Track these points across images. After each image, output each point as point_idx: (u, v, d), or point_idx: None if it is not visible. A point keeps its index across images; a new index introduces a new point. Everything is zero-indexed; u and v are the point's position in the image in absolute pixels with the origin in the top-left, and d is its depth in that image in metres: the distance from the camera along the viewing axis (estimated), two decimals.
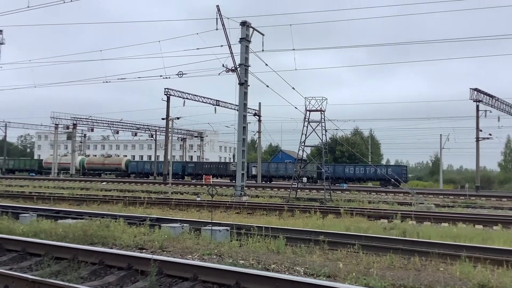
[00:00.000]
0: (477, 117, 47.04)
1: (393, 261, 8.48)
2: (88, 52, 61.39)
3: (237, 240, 10.56)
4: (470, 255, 8.51)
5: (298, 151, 29.62)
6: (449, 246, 9.87)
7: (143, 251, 8.87)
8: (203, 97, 56.10)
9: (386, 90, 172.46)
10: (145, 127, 75.66)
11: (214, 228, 11.21)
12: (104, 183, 48.74)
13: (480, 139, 47.47)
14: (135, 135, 75.84)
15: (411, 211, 19.00)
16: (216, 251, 8.79)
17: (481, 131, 47.46)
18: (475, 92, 45.88)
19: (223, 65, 28.13)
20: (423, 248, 9.56)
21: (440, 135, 68.07)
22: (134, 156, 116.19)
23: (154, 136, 76.61)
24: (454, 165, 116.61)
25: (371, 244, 10.19)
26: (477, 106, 46.66)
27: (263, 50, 28.64)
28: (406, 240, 10.80)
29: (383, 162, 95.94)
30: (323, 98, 28.05)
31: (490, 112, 47.32)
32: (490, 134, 49.03)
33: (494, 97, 47.09)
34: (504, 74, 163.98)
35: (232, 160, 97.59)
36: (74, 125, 70.40)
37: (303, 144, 28.91)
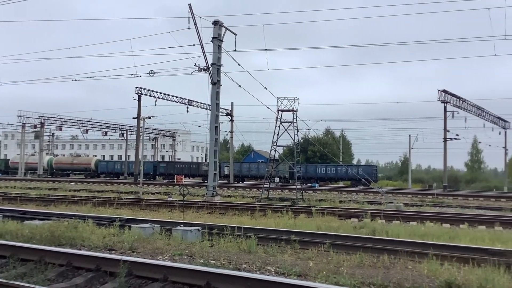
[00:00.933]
0: (445, 118, 48.11)
1: (363, 259, 8.58)
2: (57, 50, 60.17)
3: (208, 240, 10.52)
4: (437, 253, 8.69)
5: (270, 151, 29.75)
6: (417, 244, 10.06)
7: (112, 252, 8.73)
8: (175, 96, 55.71)
9: (355, 92, 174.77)
10: (116, 126, 74.59)
11: (185, 228, 11.13)
12: (72, 183, 47.85)
13: (447, 139, 48.56)
14: (105, 134, 74.63)
15: (381, 210, 19.29)
16: (187, 251, 8.73)
17: (448, 131, 48.56)
18: (443, 93, 46.91)
19: (195, 65, 27.99)
20: (392, 247, 9.72)
21: (409, 135, 69.52)
22: (104, 156, 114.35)
23: (124, 135, 75.57)
24: (422, 165, 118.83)
25: (342, 243, 10.30)
26: (445, 107, 47.72)
27: (235, 50, 28.62)
28: (376, 238, 10.96)
29: (354, 162, 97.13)
30: (295, 98, 28.24)
31: (458, 113, 48.47)
32: (457, 135, 50.26)
33: (461, 98, 48.25)
34: (467, 76, 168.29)
35: (204, 160, 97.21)
36: (42, 124, 68.85)
37: (275, 144, 29.02)
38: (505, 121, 59.33)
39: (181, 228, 11.12)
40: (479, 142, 76.67)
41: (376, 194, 33.28)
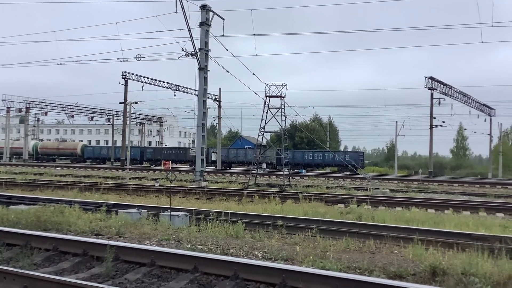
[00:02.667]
0: (431, 104, 48.43)
1: (349, 244, 8.66)
2: (41, 33, 59.19)
3: (196, 225, 10.53)
4: (422, 238, 8.79)
5: (258, 137, 29.72)
6: (402, 229, 10.18)
7: (99, 237, 8.70)
8: (162, 81, 55.26)
9: (341, 78, 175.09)
10: (102, 111, 73.90)
11: (172, 213, 11.12)
12: (58, 168, 47.48)
13: (433, 126, 48.95)
14: (92, 119, 74.03)
15: (367, 196, 19.46)
16: (174, 236, 8.73)
17: (435, 118, 48.93)
18: (430, 80, 47.16)
19: (182, 49, 27.67)
20: (378, 232, 9.83)
21: (396, 122, 70.02)
22: (90, 141, 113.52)
23: (111, 120, 74.94)
24: (408, 152, 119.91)
25: (328, 228, 10.38)
26: (432, 94, 48.01)
27: (223, 35, 28.35)
28: (362, 224, 11.07)
29: (341, 148, 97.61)
30: (283, 84, 28.18)
31: (444, 100, 48.80)
32: (443, 122, 50.62)
33: (448, 85, 48.56)
34: (454, 63, 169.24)
35: (191, 146, 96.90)
36: (27, 109, 67.99)
37: (262, 130, 29.01)
38: (491, 108, 59.93)
39: (169, 213, 11.11)
40: (465, 129, 77.66)
41: (363, 180, 33.53)
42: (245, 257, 7.43)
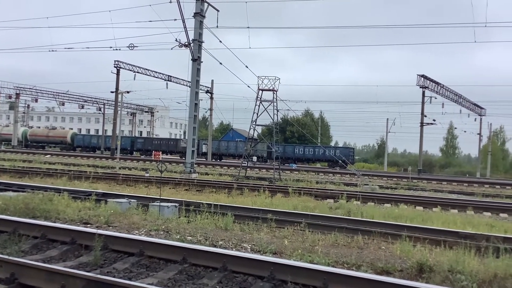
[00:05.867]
0: (423, 102, 48.71)
1: (338, 239, 8.70)
2: (34, 19, 58.53)
3: (185, 216, 10.52)
4: (410, 234, 8.86)
5: (249, 130, 29.69)
6: (390, 225, 10.25)
7: (88, 225, 8.66)
8: (154, 71, 54.96)
9: (331, 74, 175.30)
10: (93, 99, 73.39)
11: (162, 204, 11.10)
12: (48, 156, 47.15)
13: (424, 124, 49.25)
14: (82, 107, 73.44)
15: (356, 191, 19.55)
16: (163, 227, 8.72)
17: (425, 116, 49.23)
18: (422, 78, 47.37)
19: (176, 40, 27.56)
20: (366, 227, 9.88)
21: (387, 119, 70.31)
22: (80, 129, 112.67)
23: (102, 109, 74.46)
24: (398, 149, 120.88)
25: (317, 222, 10.42)
26: (423, 92, 48.28)
27: (217, 27, 28.25)
28: (351, 219, 11.13)
29: (332, 143, 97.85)
30: (276, 78, 28.13)
31: (435, 98, 49.12)
32: (434, 120, 50.96)
33: (440, 84, 48.81)
34: (446, 62, 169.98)
35: (182, 137, 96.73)
36: (17, 95, 67.33)
37: (254, 123, 28.97)
38: (481, 108, 60.37)
39: (158, 203, 11.09)
40: (455, 128, 78.02)
41: (353, 176, 33.69)
42: (234, 249, 7.44)
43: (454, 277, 5.98)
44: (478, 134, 65.22)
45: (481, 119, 62.11)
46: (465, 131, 65.63)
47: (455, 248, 7.59)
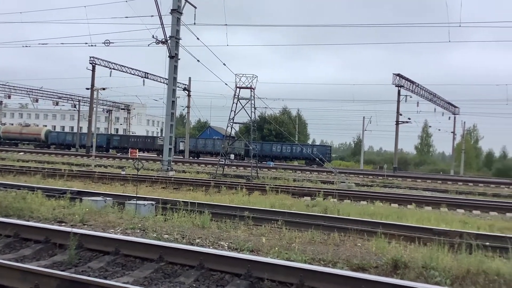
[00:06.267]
0: (398, 101, 49.36)
1: (314, 236, 8.75)
2: (7, 14, 57.25)
3: (162, 214, 10.45)
4: (385, 231, 8.98)
5: (227, 127, 29.63)
6: (366, 223, 10.36)
7: (62, 224, 8.53)
8: (131, 68, 54.42)
9: (307, 73, 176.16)
10: (68, 96, 72.17)
11: (138, 202, 11.00)
12: (21, 153, 46.21)
13: (400, 122, 49.94)
14: (57, 104, 72.13)
15: (333, 189, 19.72)
16: (140, 225, 8.65)
17: (401, 115, 49.92)
18: (398, 77, 48.00)
19: (153, 36, 27.30)
20: (343, 225, 9.98)
21: (363, 117, 71.00)
22: (55, 126, 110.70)
23: (77, 106, 73.27)
24: (374, 147, 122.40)
25: (294, 220, 10.48)
26: (399, 91, 48.92)
27: (195, 24, 28.10)
28: (327, 216, 11.21)
29: (309, 142, 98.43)
30: (254, 76, 28.13)
31: (410, 97, 49.86)
32: (409, 118, 51.74)
33: (415, 83, 49.55)
34: (420, 62, 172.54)
35: (159, 135, 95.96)
36: None
37: (231, 120, 28.93)
38: (455, 107, 61.51)
39: (135, 202, 10.98)
40: (429, 126, 79.35)
41: (329, 173, 33.96)
42: (211, 247, 7.43)
43: (428, 273, 6.08)
44: (452, 132, 66.47)
45: (455, 117, 63.32)
46: (439, 130, 66.88)
47: (429, 245, 7.72)
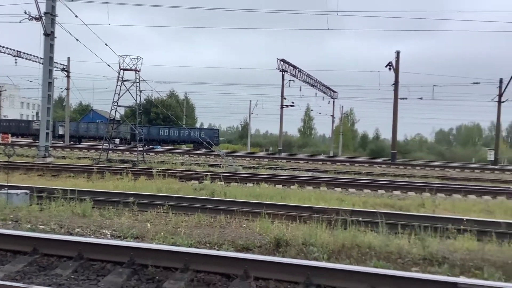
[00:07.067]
0: (282, 86, 51.09)
1: (201, 220, 8.79)
2: None
3: (37, 204, 9.76)
4: (269, 212, 9.27)
5: (111, 111, 28.41)
6: (252, 204, 10.62)
7: None
8: (1, 46, 49.59)
9: (195, 56, 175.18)
10: None
11: (10, 191, 10.14)
12: None
13: (284, 106, 51.79)
14: None
15: (221, 172, 19.90)
16: (12, 216, 8.01)
17: (285, 99, 51.79)
18: (282, 62, 49.57)
19: (25, 12, 25.12)
20: (229, 207, 10.12)
21: (250, 101, 72.56)
22: None
23: None
24: (261, 130, 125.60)
25: (181, 204, 10.40)
26: (283, 76, 50.61)
27: (72, 0, 26.35)
28: (214, 199, 11.30)
29: (197, 125, 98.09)
30: (138, 58, 27.20)
31: (294, 82, 51.81)
32: (292, 102, 53.94)
33: (298, 68, 51.56)
34: (302, 48, 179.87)
35: (35, 118, 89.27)
36: None
37: (115, 104, 27.79)
38: (334, 92, 65.18)
39: (5, 191, 10.11)
40: (311, 110, 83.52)
41: (217, 157, 34.24)
42: (93, 236, 7.12)
43: (307, 249, 6.41)
44: (331, 116, 70.67)
45: (334, 102, 67.24)
46: (320, 113, 70.68)
47: (309, 223, 8.13)
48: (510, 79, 44.96)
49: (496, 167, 39.73)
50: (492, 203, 14.07)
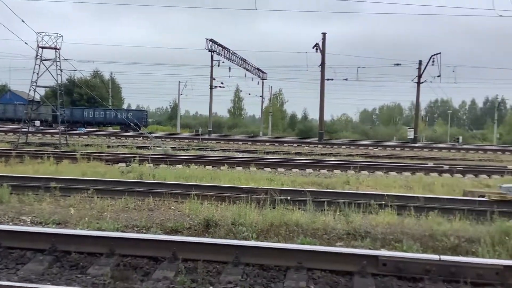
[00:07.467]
0: (211, 66, 50.72)
1: (128, 203, 8.58)
2: None
3: None
4: (199, 193, 9.19)
5: (29, 91, 26.89)
6: (181, 186, 10.49)
7: None
8: None
9: (117, 34, 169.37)
10: None
11: None
12: None
13: (213, 87, 51.49)
14: None
15: (149, 154, 19.52)
16: None
17: (214, 79, 51.51)
18: (210, 42, 49.09)
19: None
20: (158, 189, 9.94)
21: (179, 82, 71.45)
22: None
23: None
24: (191, 111, 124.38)
25: (107, 188, 10.07)
26: (212, 56, 50.20)
27: None
28: (142, 182, 11.05)
29: (124, 106, 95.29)
30: (58, 35, 25.85)
31: (223, 62, 51.63)
32: (222, 83, 53.76)
33: (227, 48, 51.34)
34: (231, 29, 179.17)
35: None
36: None
37: (35, 84, 26.33)
38: (263, 72, 65.73)
39: None
40: (241, 91, 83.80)
41: (146, 138, 33.54)
42: (11, 224, 6.75)
43: (237, 229, 6.46)
44: (260, 96, 71.18)
45: (263, 82, 67.77)
46: (249, 94, 71.11)
47: (238, 203, 8.17)
48: (428, 61, 47.45)
49: (415, 145, 42.06)
50: (411, 179, 14.88)
